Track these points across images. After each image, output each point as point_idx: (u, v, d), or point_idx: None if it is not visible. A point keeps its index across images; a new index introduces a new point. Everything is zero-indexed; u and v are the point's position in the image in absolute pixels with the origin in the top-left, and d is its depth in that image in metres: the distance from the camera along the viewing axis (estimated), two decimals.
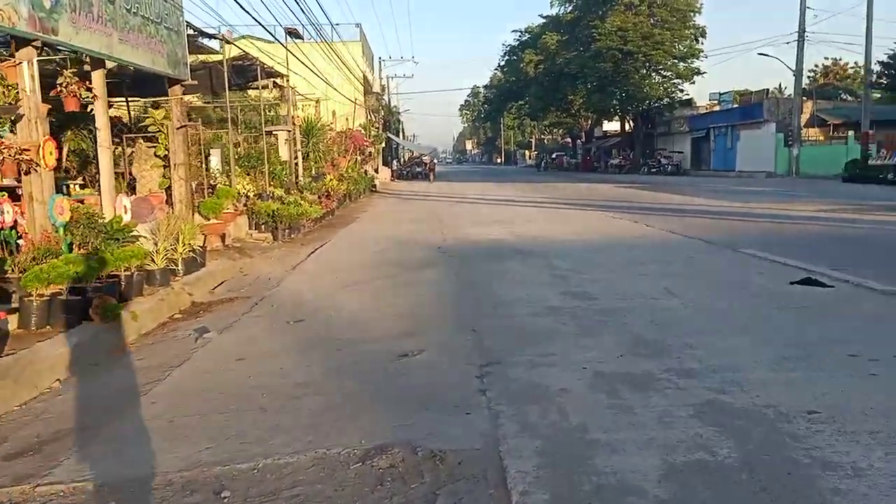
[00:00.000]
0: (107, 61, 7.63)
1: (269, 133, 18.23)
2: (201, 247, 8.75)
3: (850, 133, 35.02)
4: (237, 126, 19.79)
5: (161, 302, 6.67)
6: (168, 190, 10.31)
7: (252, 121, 21.67)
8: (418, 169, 47.94)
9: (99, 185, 10.66)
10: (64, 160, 10.11)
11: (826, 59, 62.94)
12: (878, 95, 37.45)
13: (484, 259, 9.01)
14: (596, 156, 61.18)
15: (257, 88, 18.72)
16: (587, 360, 4.38)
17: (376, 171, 40.31)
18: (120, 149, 10.72)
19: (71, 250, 6.49)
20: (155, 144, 10.19)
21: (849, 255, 8.54)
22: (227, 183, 12.53)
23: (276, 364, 4.72)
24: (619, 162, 53.06)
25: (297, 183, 18.23)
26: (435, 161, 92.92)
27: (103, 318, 5.44)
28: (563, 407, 3.58)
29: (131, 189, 10.56)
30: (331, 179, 22.25)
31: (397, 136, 68.24)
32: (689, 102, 51.82)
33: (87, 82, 7.01)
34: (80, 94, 6.83)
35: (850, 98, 46.02)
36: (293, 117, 19.68)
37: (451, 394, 3.88)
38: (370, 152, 43.13)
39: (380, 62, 52.55)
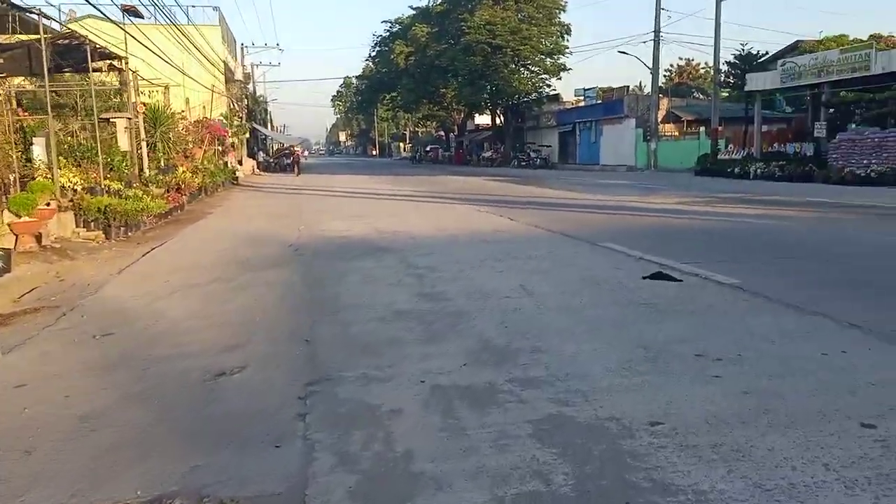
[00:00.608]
0: None
1: (108, 121, 16.61)
2: (5, 249, 7.59)
3: (702, 129, 37.26)
4: (77, 113, 17.99)
5: None
6: None
7: (98, 107, 19.81)
8: (287, 161, 46.35)
9: None
10: None
11: (680, 59, 67.11)
12: (726, 94, 40.10)
13: (337, 257, 8.44)
14: (468, 149, 61.83)
15: (95, 71, 17.04)
16: (427, 371, 3.94)
17: (239, 162, 38.43)
18: None
19: None
20: None
21: (701, 247, 8.70)
22: (50, 175, 11.14)
23: (63, 390, 3.95)
24: (491, 155, 53.88)
25: (140, 175, 16.76)
26: (306, 152, 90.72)
27: None
28: (391, 432, 3.12)
29: None
30: (183, 172, 20.74)
31: (264, 126, 65.79)
32: (556, 97, 53.43)
33: None
34: None
35: (701, 96, 49.09)
36: (136, 104, 18.09)
37: (265, 422, 3.32)
38: (233, 143, 41.13)
39: (242, 48, 50.24)
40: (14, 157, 9.63)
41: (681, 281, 6.31)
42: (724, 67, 36.27)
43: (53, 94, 20.29)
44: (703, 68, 60.79)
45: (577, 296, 5.86)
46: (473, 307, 5.52)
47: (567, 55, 50.24)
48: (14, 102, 18.09)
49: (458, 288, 6.32)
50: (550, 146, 49.80)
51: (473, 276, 6.93)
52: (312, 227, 12.01)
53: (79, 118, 16.46)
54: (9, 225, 8.88)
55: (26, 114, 14.46)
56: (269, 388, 3.80)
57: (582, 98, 51.06)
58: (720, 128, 32.66)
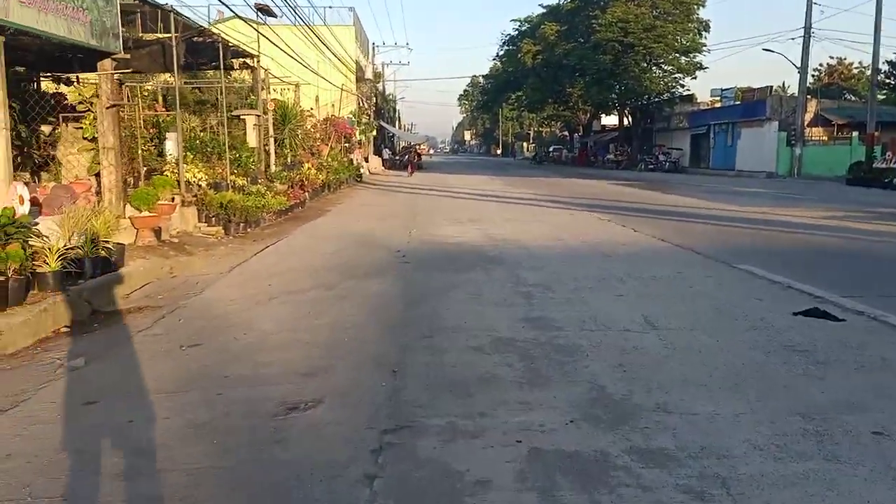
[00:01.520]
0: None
1: (238, 118, 17.06)
2: (119, 244, 7.64)
3: (855, 134, 33.92)
4: (217, 109, 18.66)
5: (43, 313, 5.57)
6: (99, 177, 9.19)
7: (234, 104, 20.53)
8: (405, 159, 46.44)
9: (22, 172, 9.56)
10: None
11: (831, 57, 61.72)
12: (884, 96, 36.32)
13: (443, 267, 7.92)
14: (593, 150, 60.00)
15: (228, 69, 17.56)
16: (525, 426, 3.30)
17: (365, 159, 39.10)
18: (50, 129, 9.57)
19: None
20: (83, 125, 9.06)
21: (860, 275, 7.47)
22: (175, 171, 11.39)
23: (129, 412, 3.64)
24: (616, 157, 51.91)
25: (266, 172, 17.08)
26: (431, 150, 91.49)
27: None
28: None
29: (35, 174, 9.44)
30: (308, 168, 21.10)
31: (392, 124, 67.01)
32: (689, 98, 50.63)
33: None
34: None
35: (854, 98, 44.88)
36: (266, 101, 18.50)
37: (327, 483, 2.81)
38: (360, 140, 41.96)
39: (373, 48, 51.24)
40: (140, 152, 9.84)
41: (843, 321, 5.27)
42: (883, 67, 32.75)
43: (197, 90, 21.37)
44: (856, 68, 55.76)
45: (710, 333, 4.99)
46: (586, 341, 4.80)
47: (704, 53, 47.46)
48: (160, 98, 19.14)
49: (570, 314, 5.60)
50: (682, 149, 47.22)
51: (589, 299, 6.18)
52: (424, 230, 11.60)
53: (217, 114, 16.88)
54: (130, 219, 9.04)
55: (163, 109, 14.99)
56: (341, 432, 3.30)
57: (718, 98, 48.06)
58: (877, 133, 29.50)
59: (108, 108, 8.75)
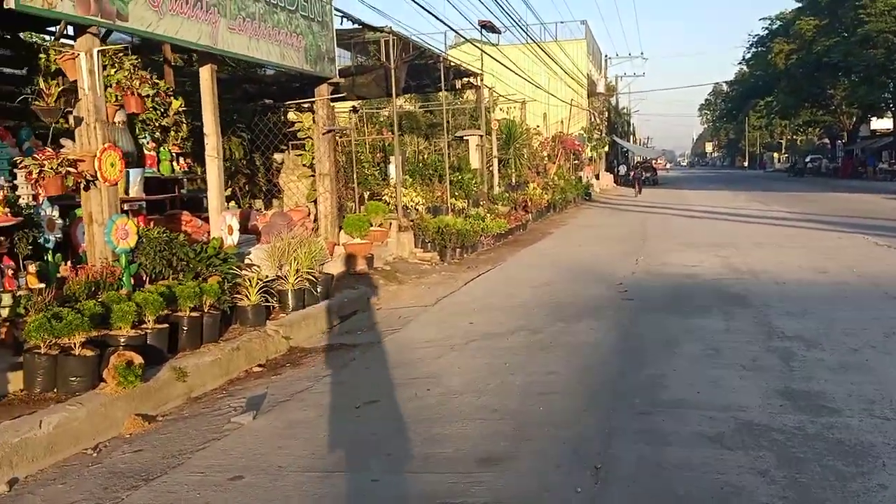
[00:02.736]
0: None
1: (460, 139, 16.94)
2: (327, 274, 7.47)
3: None
4: (447, 131, 18.85)
5: (235, 352, 5.37)
6: (317, 203, 9.27)
7: (463, 125, 20.65)
8: (647, 174, 43.63)
9: (248, 199, 10.00)
10: None
11: None
12: None
13: (672, 308, 6.64)
14: (860, 159, 52.27)
15: (453, 90, 17.57)
16: None
17: (597, 177, 37.74)
18: (274, 158, 9.90)
19: (141, 283, 5.47)
20: (303, 152, 9.18)
21: None
22: (392, 194, 11.31)
23: (270, 496, 3.07)
24: (891, 166, 44.58)
25: (489, 193, 16.71)
26: (668, 165, 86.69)
27: (121, 382, 4.20)
28: None
29: (268, 202, 9.70)
30: (534, 188, 20.49)
31: (626, 139, 64.56)
32: None
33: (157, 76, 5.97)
34: (140, 92, 5.80)
35: None
36: (490, 121, 18.22)
37: None
38: (591, 157, 40.66)
39: (605, 60, 49.69)
40: (355, 176, 9.81)
41: None
42: None
43: (429, 114, 21.89)
44: None
45: None
46: (880, 436, 3.37)
47: None
48: (396, 123, 19.85)
49: (849, 387, 4.12)
50: None
51: (875, 364, 4.59)
52: (653, 257, 10.24)
53: (447, 136, 16.87)
54: (343, 246, 8.98)
55: (389, 134, 15.28)
56: None
57: None
58: None
59: (323, 133, 8.76)
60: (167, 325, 4.92)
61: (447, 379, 4.74)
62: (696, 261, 9.66)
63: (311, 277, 6.96)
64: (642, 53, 68.44)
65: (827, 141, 62.62)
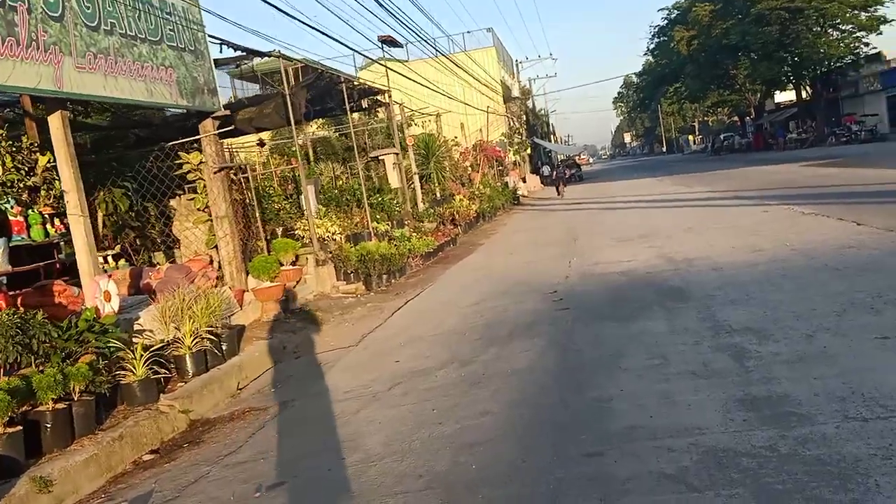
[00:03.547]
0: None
1: (377, 159, 16.30)
2: (230, 328, 6.69)
3: None
4: (362, 154, 18.12)
5: (117, 442, 4.54)
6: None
7: (379, 146, 19.98)
8: (571, 171, 43.76)
9: (144, 254, 9.09)
10: (101, 228, 8.57)
11: None
12: None
13: (611, 313, 6.13)
14: (770, 132, 54.14)
15: (358, 111, 16.95)
16: None
17: (523, 180, 37.66)
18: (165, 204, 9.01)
19: None
20: (195, 195, 8.36)
21: None
22: (306, 227, 10.56)
23: None
24: (799, 135, 46.24)
25: (413, 211, 16.10)
26: (590, 159, 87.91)
27: None
28: None
29: (169, 254, 8.82)
30: (460, 200, 20.00)
31: (546, 139, 65.18)
32: (877, 57, 43.92)
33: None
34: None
35: None
36: (406, 137, 17.65)
37: None
38: (515, 161, 40.61)
39: (516, 65, 50.04)
40: (257, 214, 9.01)
41: None
42: None
43: (344, 137, 21.13)
44: None
45: None
46: (863, 444, 2.87)
47: (887, 5, 40.90)
48: (311, 152, 19.01)
49: (813, 383, 3.65)
50: (877, 114, 40.91)
51: (836, 350, 4.14)
52: (585, 257, 9.80)
53: (359, 158, 16.16)
54: (253, 291, 8.19)
55: (296, 163, 14.54)
56: None
57: None
58: None
59: (215, 172, 7.97)
60: (20, 428, 4.08)
61: (366, 439, 4.06)
62: (629, 255, 9.25)
63: (212, 335, 6.16)
64: (551, 54, 69.55)
65: (737, 119, 64.76)
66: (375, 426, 4.28)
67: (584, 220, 16.31)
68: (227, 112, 8.15)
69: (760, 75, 46.23)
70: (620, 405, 3.80)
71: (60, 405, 4.43)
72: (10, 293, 6.50)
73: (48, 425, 4.33)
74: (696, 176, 27.14)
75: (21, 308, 6.38)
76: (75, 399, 4.55)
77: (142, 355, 5.26)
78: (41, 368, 4.68)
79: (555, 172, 36.34)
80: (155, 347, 5.55)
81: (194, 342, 5.95)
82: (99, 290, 5.66)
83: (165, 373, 5.54)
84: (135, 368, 5.22)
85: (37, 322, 4.86)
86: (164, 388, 5.55)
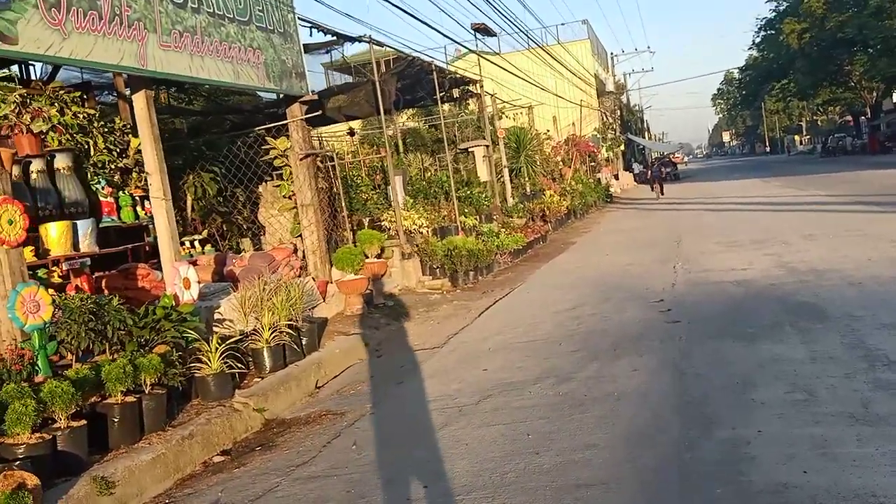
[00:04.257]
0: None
1: (465, 151, 15.81)
2: (311, 320, 6.34)
3: None
4: (454, 145, 17.70)
5: (186, 441, 4.23)
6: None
7: (469, 137, 19.52)
8: (667, 170, 41.79)
9: (231, 240, 8.92)
10: (189, 212, 8.44)
11: None
12: None
13: (731, 329, 5.38)
14: (887, 134, 50.26)
15: (449, 101, 16.50)
16: None
17: (616, 177, 36.37)
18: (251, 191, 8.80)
19: (67, 365, 4.37)
20: (281, 182, 8.09)
21: None
22: (392, 218, 10.18)
23: None
24: None
25: (502, 206, 15.52)
26: (686, 158, 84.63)
27: None
28: None
29: (256, 241, 8.61)
30: (551, 196, 19.26)
31: (640, 136, 63.08)
32: None
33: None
34: (34, 129, 4.74)
35: None
36: (497, 129, 17.06)
37: None
38: (608, 157, 39.31)
39: (611, 58, 48.45)
40: (343, 203, 8.68)
41: None
42: None
43: (434, 129, 20.79)
44: None
45: None
46: None
47: None
48: (400, 143, 18.74)
49: None
50: None
51: None
52: (692, 263, 8.97)
53: (447, 149, 15.71)
54: (337, 284, 7.86)
55: (385, 152, 14.20)
56: None
57: None
58: None
59: (301, 159, 7.67)
60: (84, 422, 3.80)
61: (453, 464, 3.56)
62: (743, 263, 8.37)
63: (291, 328, 5.83)
64: (649, 48, 67.12)
65: (850, 118, 60.62)
66: (462, 448, 3.77)
67: (686, 221, 15.28)
68: (315, 97, 7.82)
69: (879, 72, 42.87)
70: (762, 452, 3.13)
71: (130, 398, 4.15)
72: (97, 275, 6.38)
73: (115, 419, 4.04)
74: (807, 178, 25.27)
75: (105, 290, 6.29)
76: (146, 392, 4.26)
77: (217, 348, 4.95)
78: (114, 357, 4.42)
79: (650, 171, 34.65)
80: (232, 340, 5.25)
81: (273, 335, 5.62)
82: (178, 276, 5.40)
83: (241, 367, 5.23)
84: (210, 361, 4.91)
85: (112, 308, 4.62)
86: (239, 383, 5.25)
